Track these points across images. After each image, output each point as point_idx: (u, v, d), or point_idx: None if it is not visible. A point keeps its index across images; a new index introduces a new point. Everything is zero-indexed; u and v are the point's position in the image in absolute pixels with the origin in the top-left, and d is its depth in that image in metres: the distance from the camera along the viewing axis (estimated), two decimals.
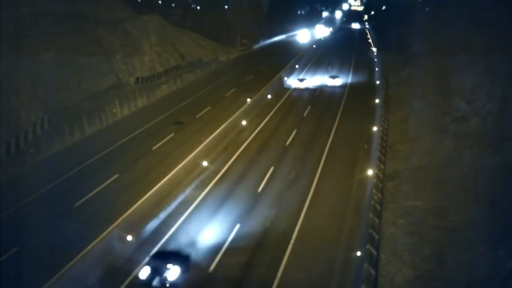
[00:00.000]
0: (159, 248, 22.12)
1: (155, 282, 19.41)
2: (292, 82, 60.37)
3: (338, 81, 59.80)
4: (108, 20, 63.58)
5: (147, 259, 20.89)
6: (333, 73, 64.52)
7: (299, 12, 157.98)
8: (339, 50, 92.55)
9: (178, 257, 20.59)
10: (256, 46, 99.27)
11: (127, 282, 19.84)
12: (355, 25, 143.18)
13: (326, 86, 59.06)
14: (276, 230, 24.23)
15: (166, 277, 19.48)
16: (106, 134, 39.32)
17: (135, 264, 20.88)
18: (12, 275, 20.02)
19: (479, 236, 20.12)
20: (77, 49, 50.02)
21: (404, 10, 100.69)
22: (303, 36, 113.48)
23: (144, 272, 19.69)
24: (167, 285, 19.41)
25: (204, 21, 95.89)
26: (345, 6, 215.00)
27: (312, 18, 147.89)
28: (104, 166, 32.11)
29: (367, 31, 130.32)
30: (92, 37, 55.58)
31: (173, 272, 19.66)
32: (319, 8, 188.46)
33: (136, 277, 19.88)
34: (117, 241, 21.69)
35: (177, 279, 19.60)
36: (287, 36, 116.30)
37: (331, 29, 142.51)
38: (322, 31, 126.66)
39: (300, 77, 62.81)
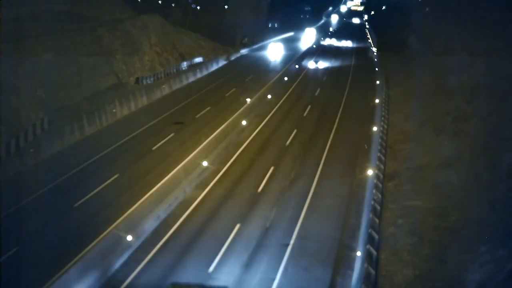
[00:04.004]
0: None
1: (315, 66, 73.34)
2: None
3: (349, 43, 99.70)
4: (108, 20, 63.62)
5: (313, 59, 76.67)
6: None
7: (270, 26, 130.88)
8: (338, 51, 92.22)
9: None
10: (255, 46, 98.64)
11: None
12: (356, 20, 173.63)
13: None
14: (276, 229, 24.25)
15: (318, 66, 72.96)
16: (106, 134, 39.28)
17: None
18: (12, 275, 20.01)
19: (479, 236, 20.07)
20: (77, 49, 50.01)
21: (404, 10, 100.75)
22: (274, 49, 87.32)
23: (311, 64, 73.52)
24: (319, 67, 73.05)
25: (204, 21, 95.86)
26: (343, 8, 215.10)
27: (301, 22, 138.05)
28: (104, 166, 32.08)
29: (367, 31, 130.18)
30: (92, 37, 55.56)
31: (321, 63, 74.30)
32: (304, 16, 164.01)
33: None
34: None
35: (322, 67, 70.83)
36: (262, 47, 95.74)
37: (331, 29, 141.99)
38: (309, 37, 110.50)
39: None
